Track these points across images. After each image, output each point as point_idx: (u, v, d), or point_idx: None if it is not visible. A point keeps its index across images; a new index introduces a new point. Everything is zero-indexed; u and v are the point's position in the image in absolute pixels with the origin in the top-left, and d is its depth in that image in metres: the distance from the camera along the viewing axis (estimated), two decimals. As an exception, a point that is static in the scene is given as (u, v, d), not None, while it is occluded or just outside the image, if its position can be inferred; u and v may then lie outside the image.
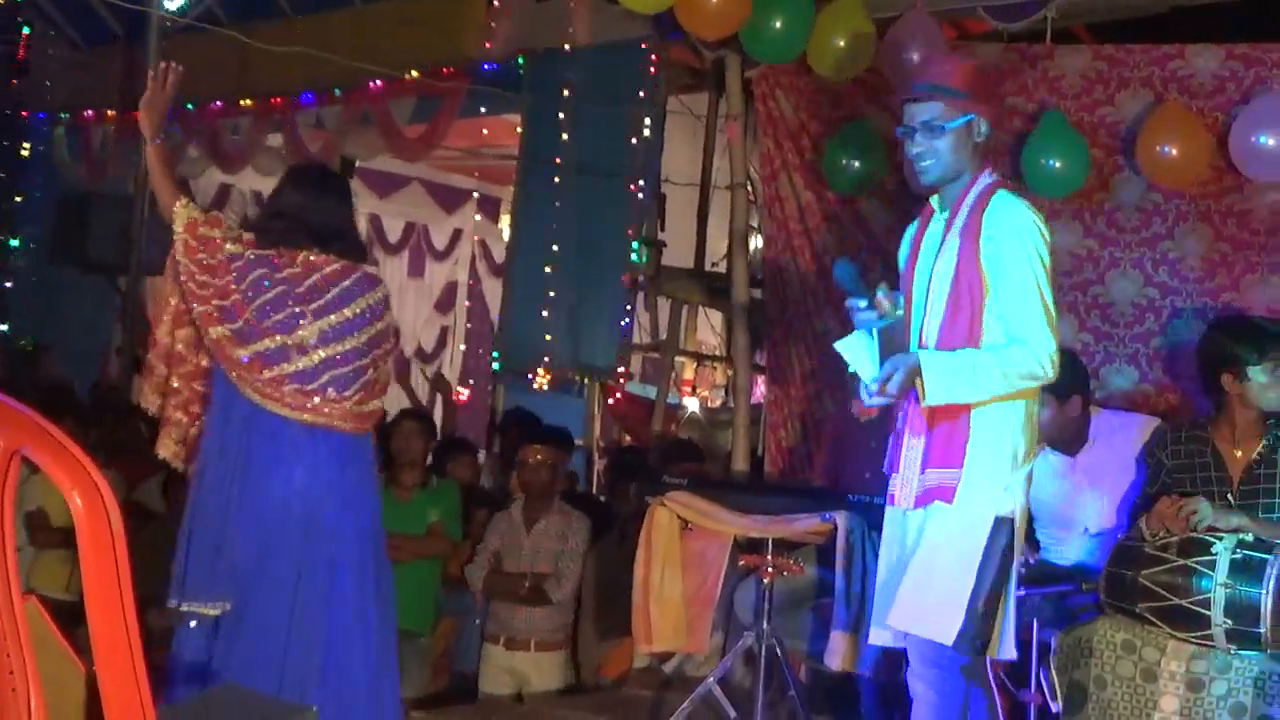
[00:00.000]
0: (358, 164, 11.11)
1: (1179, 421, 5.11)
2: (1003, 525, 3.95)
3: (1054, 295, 4.03)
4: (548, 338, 8.30)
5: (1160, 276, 5.92)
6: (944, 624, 3.96)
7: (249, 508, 4.30)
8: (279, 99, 10.07)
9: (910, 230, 4.26)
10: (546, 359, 8.31)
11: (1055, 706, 4.57)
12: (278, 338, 4.35)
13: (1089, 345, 6.00)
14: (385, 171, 12.14)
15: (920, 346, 4.03)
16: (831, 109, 6.49)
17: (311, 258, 4.45)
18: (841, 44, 6.12)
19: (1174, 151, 5.72)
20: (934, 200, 4.15)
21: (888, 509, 4.23)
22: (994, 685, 4.72)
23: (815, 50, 6.18)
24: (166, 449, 4.51)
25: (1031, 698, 4.56)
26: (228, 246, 4.43)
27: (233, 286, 4.38)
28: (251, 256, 4.41)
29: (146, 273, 9.93)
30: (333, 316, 4.42)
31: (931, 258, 4.10)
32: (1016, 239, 3.99)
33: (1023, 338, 3.96)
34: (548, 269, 8.38)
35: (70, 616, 2.37)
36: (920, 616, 4.04)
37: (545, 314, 8.33)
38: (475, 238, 13.50)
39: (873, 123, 6.36)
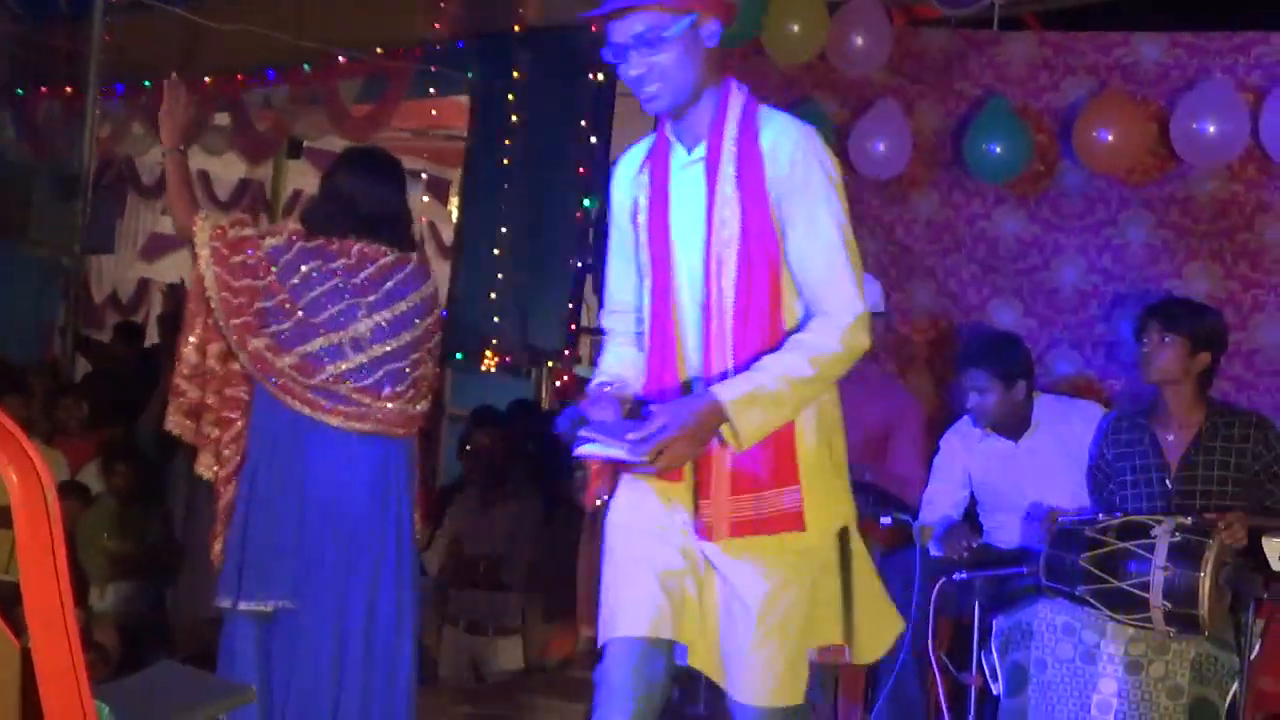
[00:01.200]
0: (305, 144, 11.05)
1: (1122, 412, 5.17)
2: (846, 538, 3.25)
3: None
4: (496, 320, 8.29)
5: (1104, 263, 5.96)
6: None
7: (300, 512, 4.27)
8: (226, 77, 9.99)
9: (628, 177, 3.33)
10: (494, 341, 8.30)
11: (996, 689, 4.62)
12: (333, 335, 4.26)
13: (1033, 331, 6.02)
14: (333, 152, 12.06)
15: (706, 340, 3.12)
16: (780, 92, 6.49)
17: (365, 248, 4.32)
18: (796, 28, 6.13)
19: (1112, 138, 5.75)
20: (671, 134, 3.25)
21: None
22: (935, 668, 4.78)
23: (770, 34, 6.19)
24: (205, 467, 4.41)
25: (972, 680, 4.61)
26: (268, 241, 4.30)
27: (277, 284, 4.26)
28: (301, 247, 4.29)
29: (90, 250, 9.84)
30: (387, 312, 4.33)
31: (698, 213, 3.17)
32: (806, 170, 3.12)
33: (825, 308, 3.08)
34: (496, 251, 8.36)
35: (8, 598, 2.35)
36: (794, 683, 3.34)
37: (493, 296, 8.31)
38: (423, 219, 13.46)
39: (821, 105, 6.37)
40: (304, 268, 4.28)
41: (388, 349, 4.32)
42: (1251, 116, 5.53)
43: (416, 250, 4.56)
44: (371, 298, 4.31)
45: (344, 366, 4.26)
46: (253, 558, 4.26)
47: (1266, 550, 4.11)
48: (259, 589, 4.25)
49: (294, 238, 4.33)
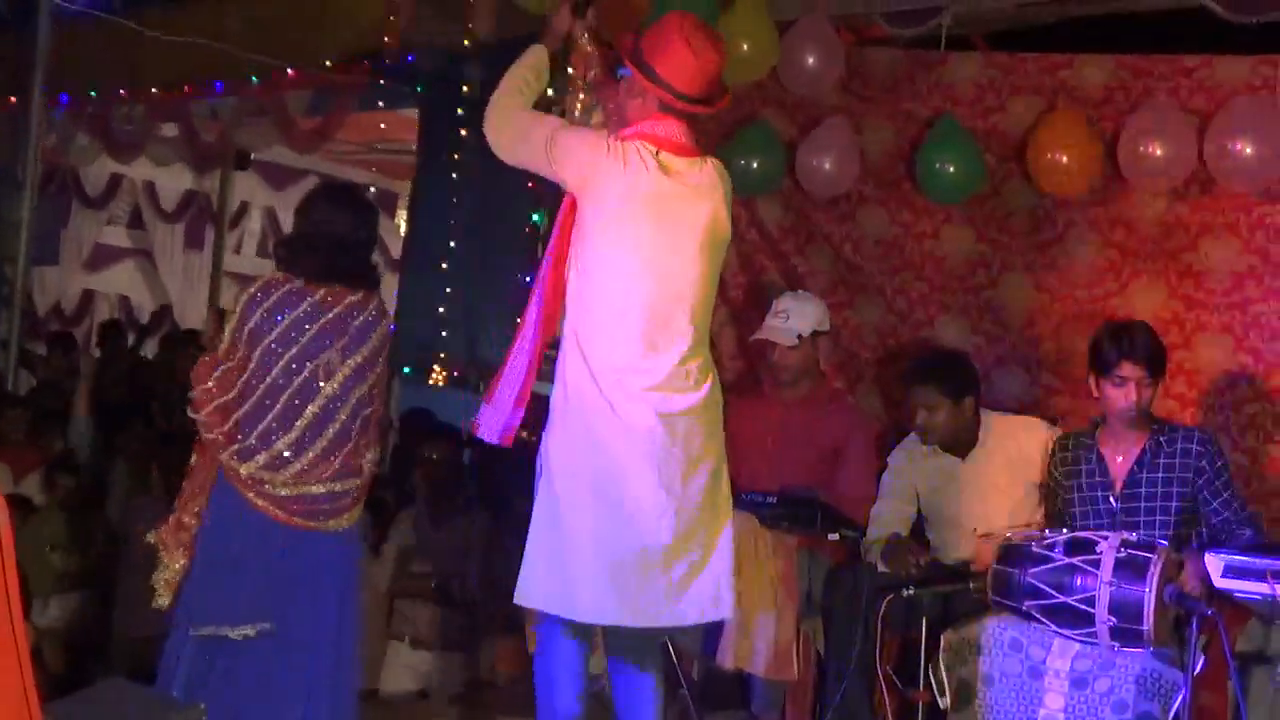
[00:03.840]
0: (253, 156, 11.00)
1: (1070, 430, 5.22)
2: None
3: None
4: (444, 334, 8.27)
5: (1050, 281, 6.01)
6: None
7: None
8: (173, 89, 9.93)
9: None
10: (442, 355, 8.28)
11: (943, 704, 4.65)
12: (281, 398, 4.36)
13: (981, 348, 6.07)
14: (281, 164, 12.04)
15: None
16: (730, 110, 6.50)
17: (335, 291, 4.43)
18: (745, 47, 6.15)
19: (1064, 159, 5.80)
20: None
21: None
22: (883, 683, 4.80)
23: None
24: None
25: (920, 695, 4.64)
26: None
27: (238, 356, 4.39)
28: (256, 293, 4.39)
29: (34, 262, 9.74)
30: (354, 360, 4.45)
31: None
32: None
33: None
34: (444, 265, 8.35)
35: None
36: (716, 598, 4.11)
37: (441, 310, 8.29)
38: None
39: (771, 124, 6.40)
40: (258, 314, 4.38)
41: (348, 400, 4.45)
42: (1196, 139, 5.59)
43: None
44: (342, 342, 4.42)
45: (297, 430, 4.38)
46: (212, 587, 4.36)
47: (1209, 566, 4.16)
48: (230, 615, 4.33)
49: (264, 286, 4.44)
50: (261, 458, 4.33)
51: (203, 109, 10.22)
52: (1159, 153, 5.61)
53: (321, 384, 4.39)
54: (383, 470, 8.08)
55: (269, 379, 4.35)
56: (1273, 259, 5.62)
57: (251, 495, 4.33)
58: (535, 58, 4.28)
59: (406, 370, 8.36)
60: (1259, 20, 5.49)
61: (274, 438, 4.35)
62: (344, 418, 4.43)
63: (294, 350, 4.35)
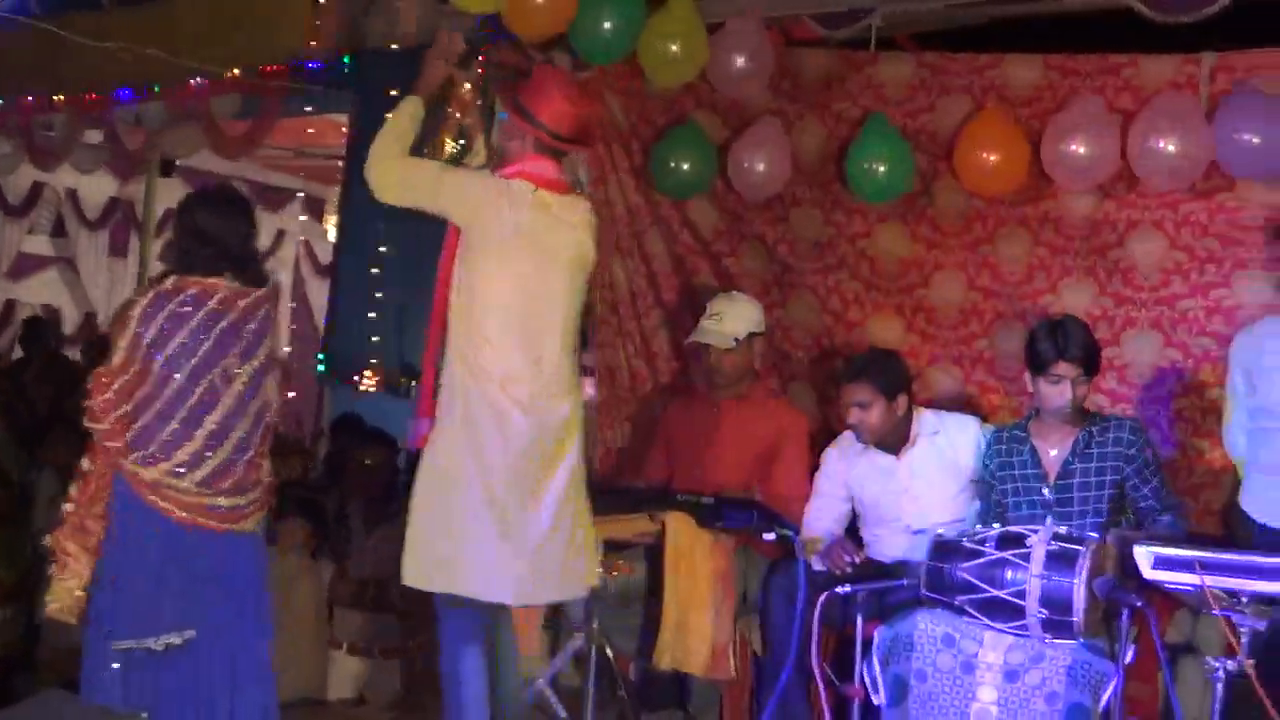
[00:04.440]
0: (178, 162, 10.87)
1: (1004, 424, 5.27)
2: None
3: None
4: (375, 339, 8.21)
5: (982, 280, 6.05)
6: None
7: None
8: (97, 94, 9.80)
9: None
10: (374, 361, 8.22)
11: (878, 700, 4.67)
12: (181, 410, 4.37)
13: (914, 347, 6.10)
14: (207, 170, 11.91)
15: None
16: (661, 112, 6.52)
17: (228, 287, 4.46)
18: (674, 48, 6.15)
19: (992, 158, 5.84)
20: None
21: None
22: (819, 680, 4.81)
23: (647, 54, 6.19)
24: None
25: (855, 692, 4.64)
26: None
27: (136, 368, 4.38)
28: (149, 305, 4.39)
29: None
30: (252, 364, 4.48)
31: None
32: None
33: None
34: (375, 270, 8.28)
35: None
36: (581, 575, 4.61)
37: (372, 316, 8.23)
38: (300, 238, 13.32)
39: (701, 126, 6.41)
40: (158, 322, 4.39)
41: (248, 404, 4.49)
42: (1121, 137, 5.65)
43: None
44: (242, 344, 4.45)
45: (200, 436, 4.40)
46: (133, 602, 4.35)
47: (1138, 558, 4.19)
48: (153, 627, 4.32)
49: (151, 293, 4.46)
50: (165, 465, 4.35)
51: (127, 115, 10.09)
52: (1085, 151, 5.66)
53: (222, 391, 4.42)
54: (317, 476, 8.05)
55: (170, 389, 4.36)
56: (1198, 255, 5.69)
57: (159, 501, 4.33)
58: (412, 108, 4.65)
59: (323, 370, 8.30)
60: (1183, 20, 5.56)
61: (175, 447, 4.36)
62: (246, 424, 4.48)
63: (194, 360, 4.37)
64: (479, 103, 4.90)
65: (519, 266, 4.47)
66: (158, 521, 4.34)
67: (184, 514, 4.34)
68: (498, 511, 4.41)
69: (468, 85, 4.85)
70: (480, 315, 4.45)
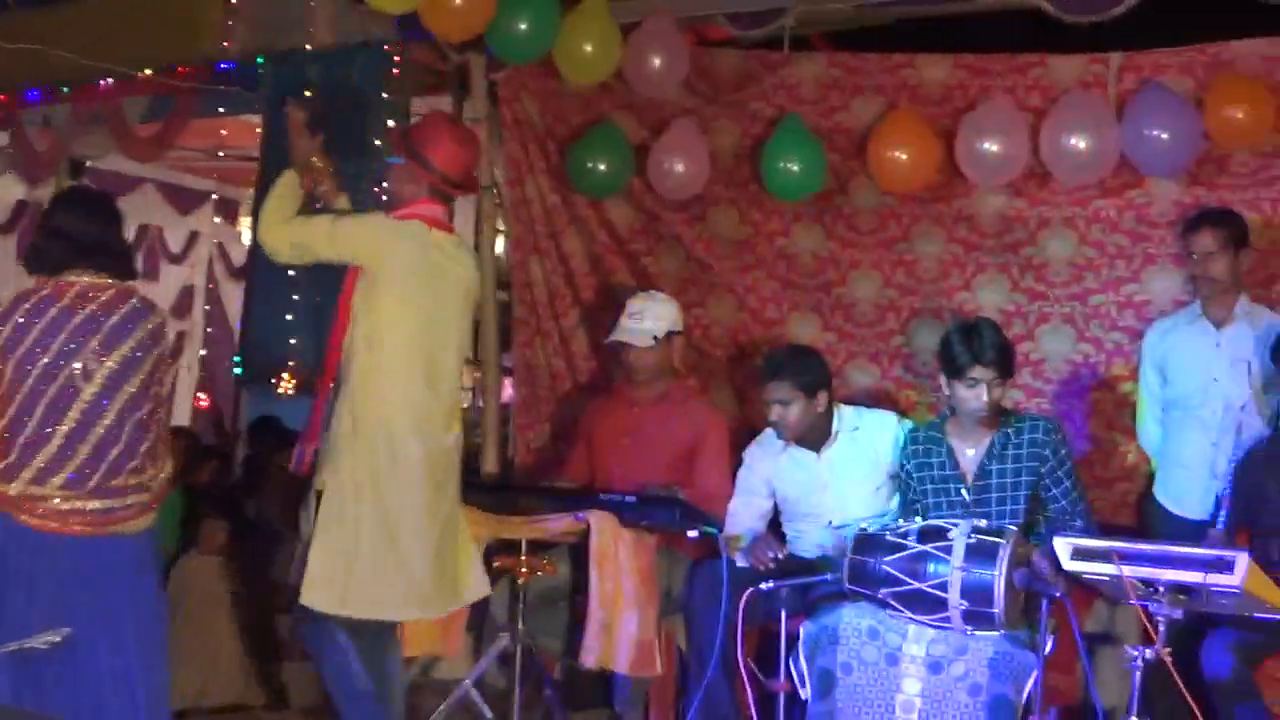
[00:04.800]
0: (88, 164, 10.73)
1: (920, 422, 5.33)
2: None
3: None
4: (292, 341, 8.14)
5: (898, 278, 6.13)
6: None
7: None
8: (4, 95, 9.65)
9: None
10: (291, 363, 8.16)
11: (804, 694, 4.71)
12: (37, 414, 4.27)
13: (832, 344, 6.17)
14: (117, 172, 11.75)
15: None
16: (578, 113, 6.53)
17: (88, 282, 4.39)
18: (588, 48, 6.16)
19: (904, 157, 5.92)
20: None
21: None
22: (744, 676, 4.85)
23: (562, 54, 6.20)
24: None
25: (781, 686, 4.68)
26: None
27: None
28: (5, 310, 4.33)
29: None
30: (114, 359, 4.37)
31: None
32: None
33: None
34: (291, 272, 8.22)
35: None
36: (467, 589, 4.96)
37: (289, 317, 8.17)
38: (214, 240, 13.18)
39: (618, 126, 6.43)
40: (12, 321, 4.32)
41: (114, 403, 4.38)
42: (1032, 135, 5.73)
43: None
44: (95, 340, 4.35)
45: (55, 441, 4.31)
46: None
47: (1057, 549, 4.26)
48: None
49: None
50: (26, 473, 4.26)
51: (35, 117, 9.94)
52: (996, 149, 5.75)
53: (80, 389, 4.31)
54: (236, 479, 7.99)
55: (24, 390, 4.27)
56: (1108, 251, 5.81)
57: (24, 516, 4.25)
58: (289, 180, 4.96)
59: (240, 374, 8.24)
60: (1091, 20, 5.66)
61: (34, 452, 4.27)
62: (109, 422, 4.35)
63: (47, 358, 4.28)
64: (330, 170, 5.08)
65: (419, 300, 4.78)
66: (29, 536, 4.26)
67: (56, 524, 4.27)
68: (390, 533, 4.68)
69: (315, 156, 5.03)
70: (382, 347, 4.72)
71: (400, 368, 4.74)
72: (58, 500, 4.27)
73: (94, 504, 4.32)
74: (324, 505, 4.71)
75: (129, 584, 4.44)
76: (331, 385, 4.85)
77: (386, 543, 4.68)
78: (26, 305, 4.31)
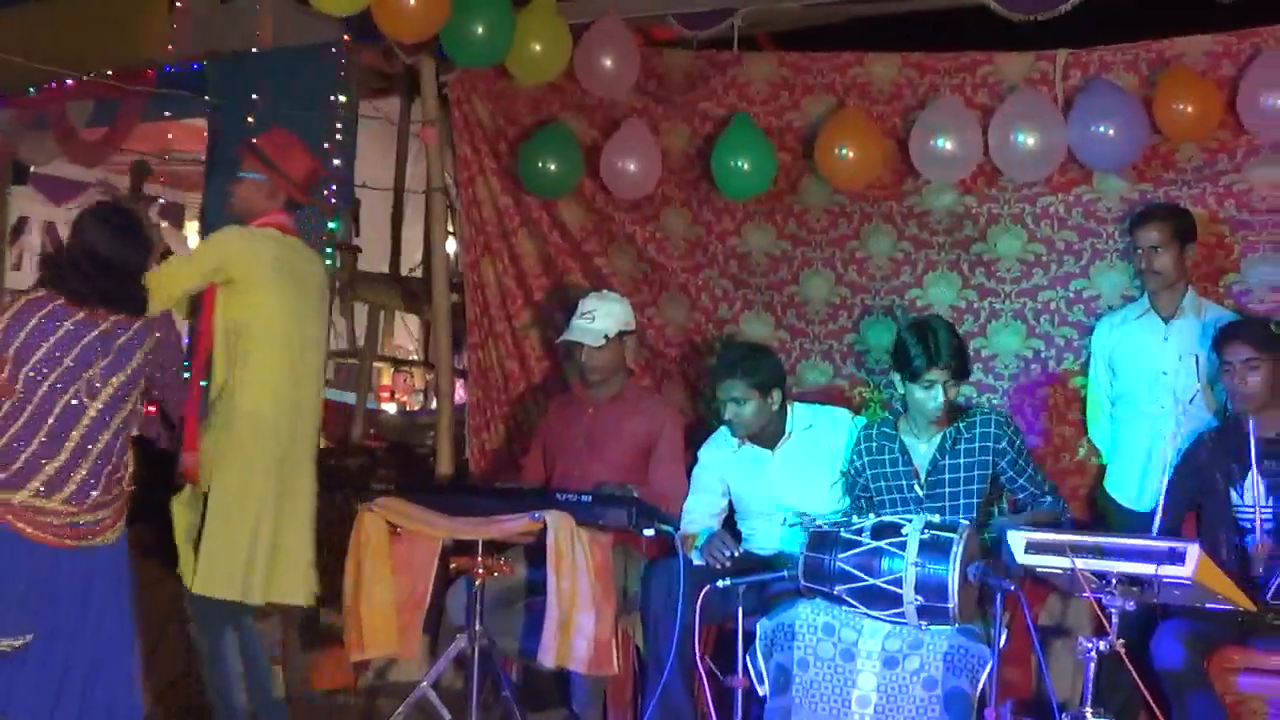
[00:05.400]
0: (32, 169, 10.63)
1: (873, 419, 5.36)
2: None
3: None
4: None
5: (850, 275, 6.16)
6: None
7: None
8: (-54, 100, 9.56)
9: None
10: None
11: (762, 690, 4.73)
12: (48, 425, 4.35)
13: (785, 342, 6.20)
14: (62, 177, 11.66)
15: None
16: (528, 114, 6.53)
17: (98, 312, 4.48)
18: (538, 49, 6.16)
19: (852, 154, 5.94)
20: None
21: None
22: (701, 673, 4.86)
23: (513, 55, 6.18)
24: None
25: (738, 682, 4.69)
26: None
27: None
28: (16, 314, 4.38)
29: None
30: (118, 378, 4.49)
31: None
32: None
33: None
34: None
35: None
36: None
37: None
38: (159, 245, 13.08)
39: (569, 126, 6.43)
40: (29, 327, 4.40)
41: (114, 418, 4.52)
42: (981, 133, 5.77)
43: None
44: (107, 359, 4.47)
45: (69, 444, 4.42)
46: None
47: (1011, 543, 4.30)
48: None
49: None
50: (33, 484, 4.33)
51: (-22, 121, 9.85)
52: (947, 147, 5.78)
53: (86, 405, 4.41)
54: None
55: (34, 401, 4.33)
56: (1057, 247, 5.85)
57: (21, 524, 4.30)
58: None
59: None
60: (1037, 17, 5.71)
61: (42, 462, 4.35)
62: (108, 438, 4.49)
63: (57, 371, 4.35)
64: (161, 222, 5.20)
65: (286, 299, 5.08)
66: (19, 544, 4.32)
67: (48, 536, 4.34)
68: (275, 521, 5.03)
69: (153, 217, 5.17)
70: (254, 347, 5.01)
71: (272, 365, 5.03)
72: (59, 513, 4.35)
73: (85, 517, 4.43)
74: (212, 502, 4.93)
75: (110, 598, 4.53)
76: (202, 397, 5.11)
77: (271, 531, 4.98)
78: (41, 314, 4.36)
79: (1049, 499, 5.05)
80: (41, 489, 4.32)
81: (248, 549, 4.94)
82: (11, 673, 4.33)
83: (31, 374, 4.31)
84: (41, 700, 4.37)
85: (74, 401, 4.38)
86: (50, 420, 4.35)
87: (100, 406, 4.43)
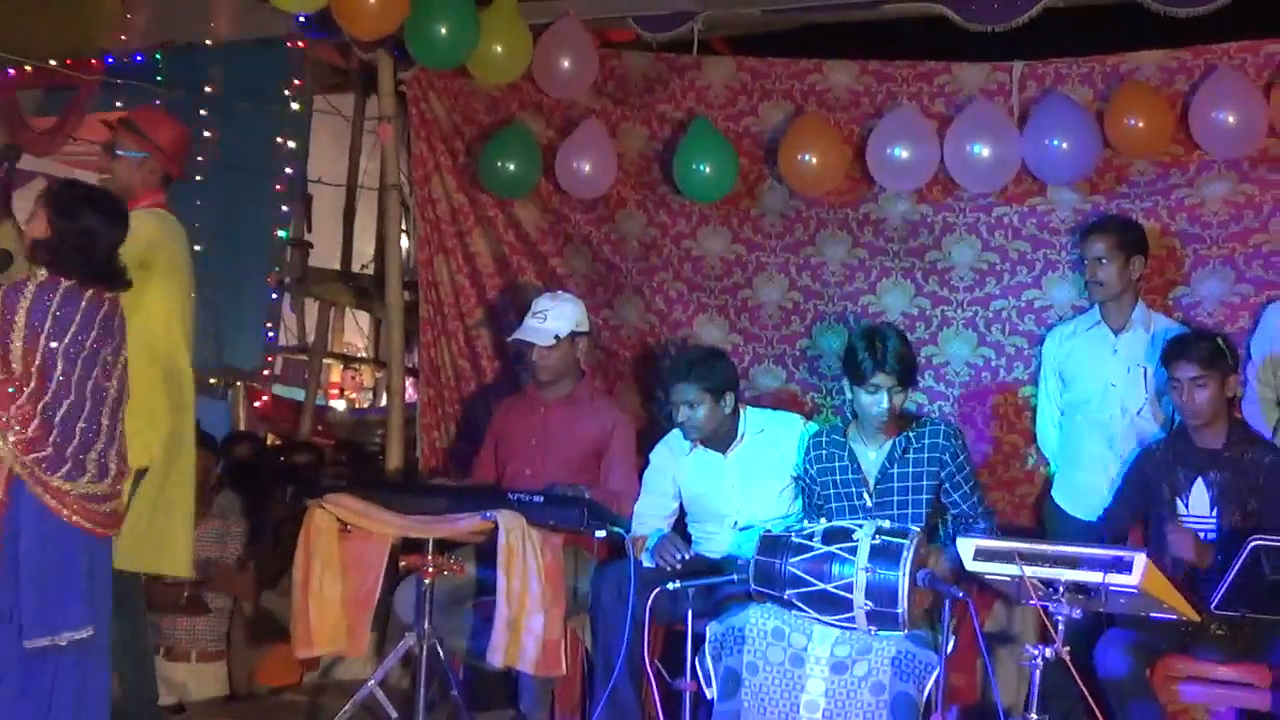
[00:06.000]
0: (-20, 157, 10.51)
1: (823, 426, 5.38)
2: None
3: None
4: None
5: (804, 281, 6.18)
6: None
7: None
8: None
9: None
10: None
11: (710, 693, 4.73)
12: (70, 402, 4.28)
13: (739, 346, 6.21)
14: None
15: None
16: (486, 113, 6.52)
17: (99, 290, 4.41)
18: (499, 49, 6.16)
19: (813, 161, 5.97)
20: None
21: None
22: (650, 676, 4.86)
23: (474, 55, 6.19)
24: None
25: (687, 686, 4.69)
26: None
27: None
28: (36, 298, 4.29)
29: None
30: (123, 355, 4.47)
31: None
32: None
33: None
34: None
35: None
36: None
37: (188, 317, 8.09)
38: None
39: (528, 126, 6.42)
40: (53, 317, 4.31)
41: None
42: (938, 142, 5.81)
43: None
44: (116, 341, 4.44)
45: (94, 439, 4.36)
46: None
47: (960, 550, 4.33)
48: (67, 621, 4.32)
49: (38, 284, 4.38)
50: (89, 471, 4.32)
51: (-74, 108, 9.73)
52: (904, 156, 5.81)
53: (106, 386, 4.38)
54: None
55: (71, 389, 4.29)
56: (1010, 257, 5.90)
57: (77, 517, 4.28)
58: None
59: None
60: (995, 29, 5.75)
61: (91, 448, 4.34)
62: (122, 416, 4.48)
63: (84, 355, 4.31)
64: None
65: (185, 280, 5.14)
66: (69, 532, 4.29)
67: (97, 527, 4.35)
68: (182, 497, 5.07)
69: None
70: (168, 323, 4.99)
71: (180, 337, 5.04)
72: (104, 497, 4.36)
73: (115, 503, 4.44)
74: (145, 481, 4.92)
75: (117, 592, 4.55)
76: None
77: (183, 504, 5.04)
78: (57, 298, 4.29)
79: (981, 524, 5.05)
80: (94, 475, 4.32)
81: (167, 521, 4.98)
82: (56, 664, 4.30)
83: (64, 360, 4.26)
84: (77, 692, 4.36)
85: (102, 383, 4.35)
86: (88, 405, 4.31)
87: (116, 385, 4.41)
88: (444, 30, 6.02)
